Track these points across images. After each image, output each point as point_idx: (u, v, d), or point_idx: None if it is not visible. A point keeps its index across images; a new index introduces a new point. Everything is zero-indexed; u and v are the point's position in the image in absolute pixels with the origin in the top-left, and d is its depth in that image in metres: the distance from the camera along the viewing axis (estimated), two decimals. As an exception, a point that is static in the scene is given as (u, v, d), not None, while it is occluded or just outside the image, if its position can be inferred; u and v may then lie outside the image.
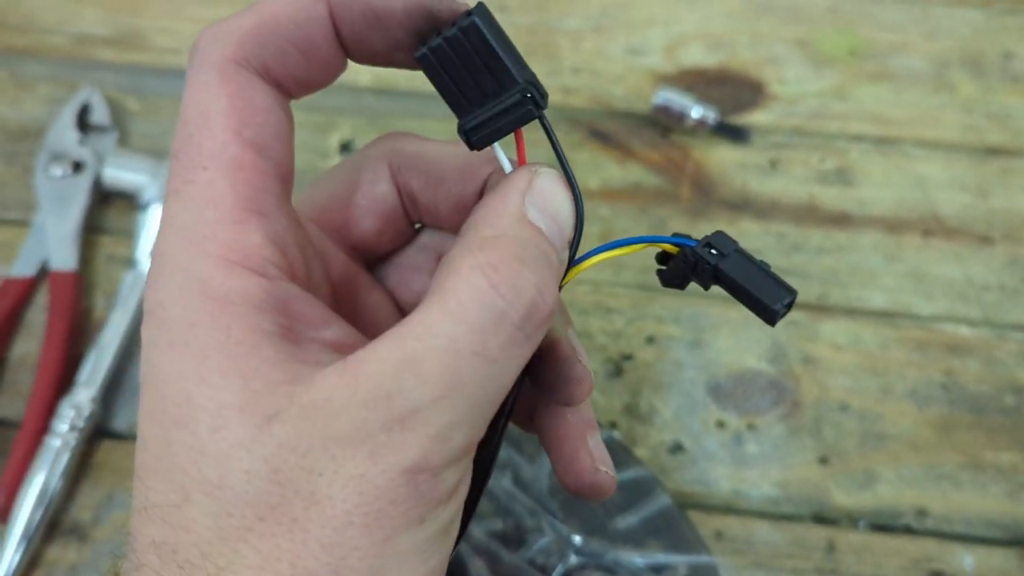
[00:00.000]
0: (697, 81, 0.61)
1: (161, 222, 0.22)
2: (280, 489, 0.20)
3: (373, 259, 0.30)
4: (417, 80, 0.29)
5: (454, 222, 0.28)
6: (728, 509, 0.47)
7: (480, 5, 0.23)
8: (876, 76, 0.62)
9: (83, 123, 0.56)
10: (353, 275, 0.28)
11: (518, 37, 0.62)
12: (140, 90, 0.60)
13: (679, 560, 0.43)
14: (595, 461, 0.27)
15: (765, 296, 0.24)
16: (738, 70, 0.62)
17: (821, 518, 0.47)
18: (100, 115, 0.57)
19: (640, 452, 0.48)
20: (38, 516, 0.44)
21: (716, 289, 0.26)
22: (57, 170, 0.54)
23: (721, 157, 0.58)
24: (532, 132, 0.25)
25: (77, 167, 0.54)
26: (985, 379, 0.50)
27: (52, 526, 0.45)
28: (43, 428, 0.46)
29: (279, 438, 0.20)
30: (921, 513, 0.47)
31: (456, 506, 0.22)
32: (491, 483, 0.44)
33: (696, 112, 0.57)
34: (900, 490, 0.47)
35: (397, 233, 0.29)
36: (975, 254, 0.55)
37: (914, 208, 0.56)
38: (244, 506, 0.20)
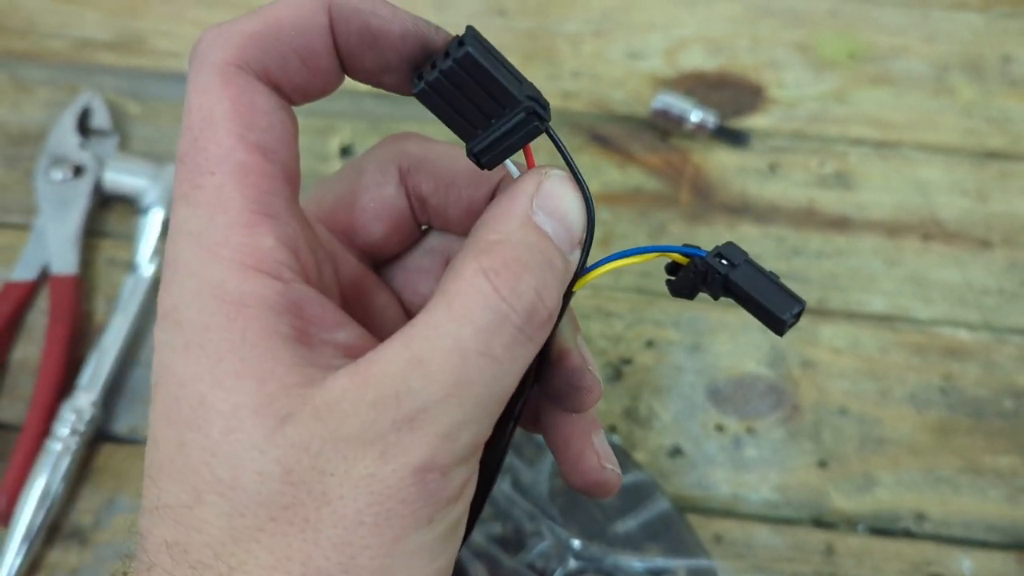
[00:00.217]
0: (697, 85, 0.61)
1: (171, 228, 0.23)
2: (292, 490, 0.20)
3: (379, 261, 0.30)
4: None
5: (464, 225, 0.28)
6: (727, 513, 0.47)
7: (470, 30, 0.23)
8: (876, 80, 0.62)
9: (84, 127, 0.56)
10: (361, 277, 0.28)
11: (518, 41, 0.63)
12: (140, 94, 0.60)
13: (678, 564, 0.43)
14: (601, 459, 0.28)
15: (774, 306, 0.25)
16: (738, 74, 0.62)
17: (820, 522, 0.47)
18: (101, 119, 0.57)
19: (639, 456, 0.48)
20: (39, 519, 0.44)
21: (716, 292, 0.27)
22: (58, 174, 0.54)
23: (721, 161, 0.58)
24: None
25: (78, 171, 0.54)
26: (984, 383, 0.50)
27: (53, 530, 0.45)
28: (44, 432, 0.46)
29: (292, 439, 0.20)
30: (920, 517, 0.47)
31: (463, 506, 0.23)
32: (491, 487, 0.44)
33: (696, 116, 0.57)
34: (899, 494, 0.47)
35: (404, 235, 0.29)
36: (974, 258, 0.55)
37: (914, 212, 0.57)
38: (256, 506, 0.20)
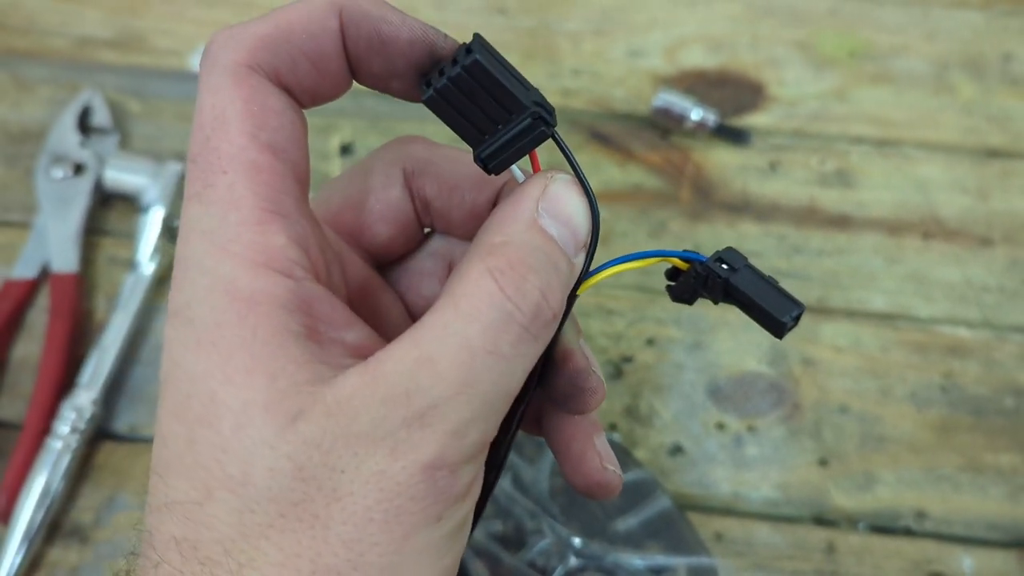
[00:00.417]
0: (697, 83, 0.61)
1: (183, 226, 0.23)
2: (303, 486, 0.20)
3: (383, 263, 0.30)
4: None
5: (467, 229, 0.29)
6: (728, 511, 0.47)
7: (477, 38, 0.24)
8: (876, 78, 0.62)
9: (84, 125, 0.56)
10: (367, 278, 0.29)
11: (518, 39, 0.63)
12: (141, 92, 0.60)
13: (679, 562, 0.43)
14: (603, 460, 0.28)
15: (774, 309, 0.25)
16: (738, 72, 0.62)
17: (821, 520, 0.47)
18: (101, 117, 0.57)
19: (640, 454, 0.48)
20: (39, 518, 0.44)
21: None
22: (58, 172, 0.54)
23: (721, 159, 0.58)
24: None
25: (78, 169, 0.54)
26: (985, 381, 0.50)
27: (53, 528, 0.45)
28: (44, 430, 0.46)
29: (303, 436, 0.21)
30: (921, 515, 0.47)
31: (470, 505, 0.23)
32: (491, 485, 0.44)
33: (696, 114, 0.57)
34: (900, 492, 0.47)
35: (408, 238, 0.30)
36: (975, 256, 0.55)
37: (914, 210, 0.56)
38: (267, 503, 0.20)
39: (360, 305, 0.27)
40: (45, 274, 0.52)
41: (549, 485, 0.44)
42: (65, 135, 0.55)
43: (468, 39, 0.24)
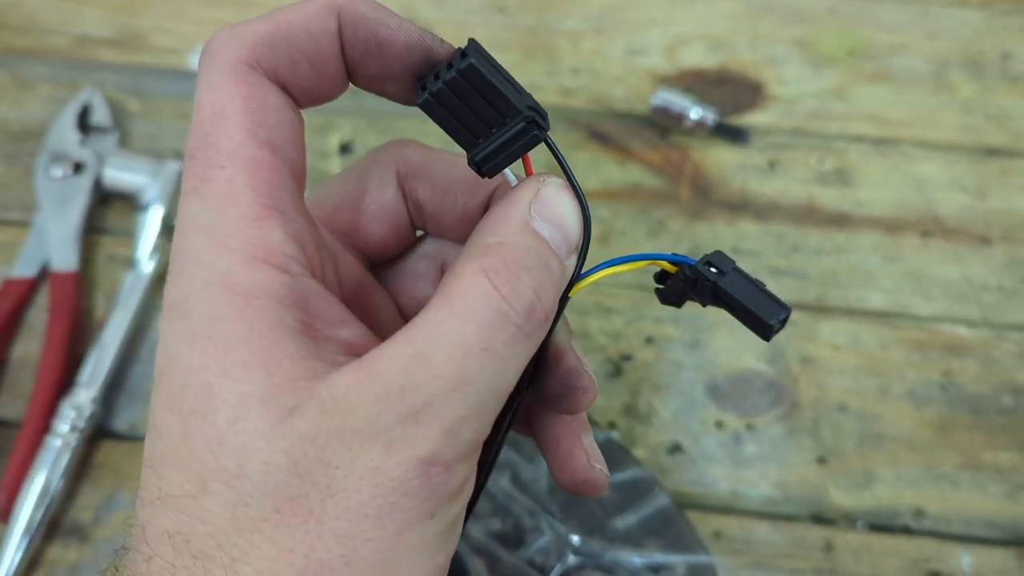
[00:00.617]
0: (696, 82, 0.61)
1: (180, 220, 0.23)
2: (298, 481, 0.21)
3: (376, 263, 0.30)
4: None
5: (459, 231, 0.29)
6: (726, 509, 0.47)
7: (472, 43, 0.24)
8: (875, 77, 0.62)
9: (84, 124, 0.57)
10: (361, 278, 0.29)
11: (517, 38, 0.63)
12: (141, 91, 0.60)
13: (677, 560, 0.43)
14: (590, 458, 0.28)
15: (762, 312, 0.26)
16: (737, 71, 0.62)
17: (819, 518, 0.47)
18: (101, 116, 0.57)
19: (639, 452, 0.48)
20: (39, 516, 0.44)
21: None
22: (58, 171, 0.54)
23: (720, 158, 0.58)
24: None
25: (78, 168, 0.54)
26: (984, 379, 0.50)
27: (53, 526, 0.45)
28: (44, 428, 0.46)
29: (299, 431, 0.21)
30: (919, 513, 0.47)
31: (463, 503, 0.23)
32: (490, 483, 0.44)
33: (695, 113, 0.57)
34: (898, 490, 0.47)
35: (401, 239, 0.30)
36: (974, 254, 0.55)
37: (913, 209, 0.57)
38: (262, 496, 0.21)
39: (353, 304, 0.28)
40: (45, 273, 0.52)
41: (548, 483, 0.44)
42: (65, 134, 0.56)
43: (469, 36, 0.24)
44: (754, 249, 0.55)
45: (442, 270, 0.30)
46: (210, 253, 0.22)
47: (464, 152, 0.25)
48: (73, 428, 0.46)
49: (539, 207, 0.24)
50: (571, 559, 0.42)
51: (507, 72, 0.25)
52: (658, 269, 0.28)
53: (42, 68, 0.61)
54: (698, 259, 0.27)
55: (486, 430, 0.23)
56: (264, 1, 0.63)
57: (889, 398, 0.50)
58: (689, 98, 0.58)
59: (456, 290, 0.22)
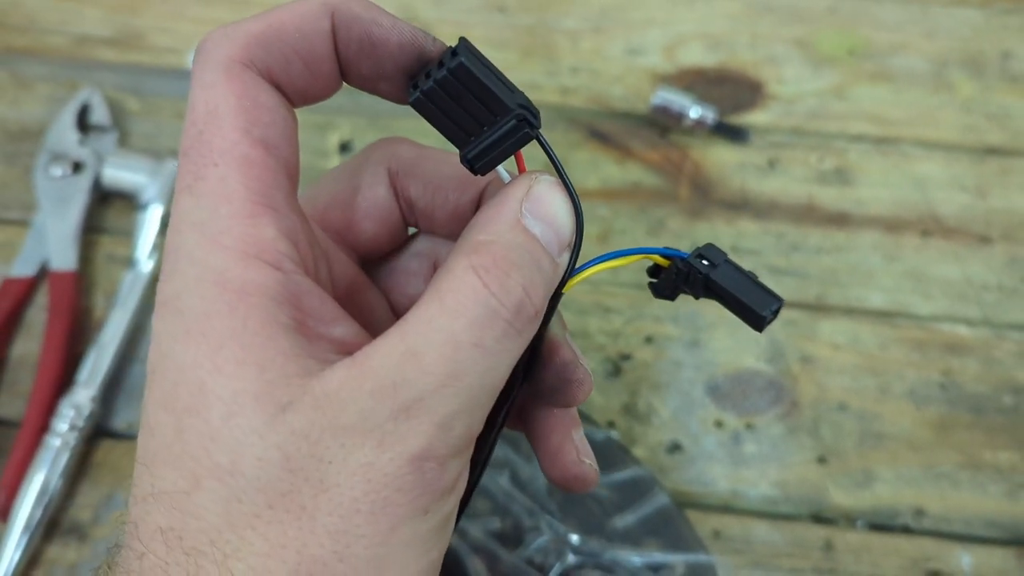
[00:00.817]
0: (696, 81, 0.61)
1: (173, 218, 0.23)
2: (291, 476, 0.21)
3: (368, 260, 0.30)
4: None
5: (450, 228, 0.29)
6: (726, 508, 0.47)
7: (463, 42, 0.24)
8: (875, 76, 0.62)
9: (83, 123, 0.56)
10: (353, 276, 0.29)
11: (517, 37, 0.63)
12: (140, 90, 0.60)
13: (677, 559, 0.43)
14: (580, 454, 0.28)
15: (754, 304, 0.26)
16: (737, 70, 0.62)
17: (819, 517, 0.47)
18: (100, 115, 0.57)
19: (638, 452, 0.48)
20: (38, 515, 0.44)
21: (713, 288, 0.27)
22: (57, 170, 0.54)
23: (720, 157, 0.58)
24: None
25: (77, 167, 0.54)
26: (984, 379, 0.50)
27: (52, 525, 0.45)
28: (43, 427, 0.46)
29: (292, 426, 0.21)
30: (919, 513, 0.47)
31: (456, 500, 0.23)
32: (489, 482, 0.44)
33: (695, 112, 0.57)
34: (898, 490, 0.47)
35: (393, 236, 0.30)
36: (974, 254, 0.55)
37: (913, 208, 0.56)
38: (255, 492, 0.21)
39: (346, 302, 0.28)
40: (44, 272, 0.52)
41: (547, 483, 0.44)
42: (64, 133, 0.55)
43: (470, 35, 0.24)
44: (754, 248, 0.54)
45: (434, 268, 0.30)
46: (203, 250, 0.22)
47: (456, 150, 0.25)
48: (72, 427, 0.46)
49: (531, 205, 0.24)
50: (570, 558, 0.42)
51: (499, 71, 0.25)
52: (651, 263, 0.28)
53: (41, 67, 0.61)
54: (690, 252, 0.27)
55: (478, 426, 0.23)
56: (262, 0, 0.63)
57: (889, 397, 0.50)
58: (689, 97, 0.58)
59: (446, 287, 0.22)
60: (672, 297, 0.28)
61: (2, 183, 0.56)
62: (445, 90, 0.24)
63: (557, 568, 0.42)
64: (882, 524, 0.46)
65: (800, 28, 0.64)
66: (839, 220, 0.56)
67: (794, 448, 0.48)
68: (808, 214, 0.56)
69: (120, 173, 0.54)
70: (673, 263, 0.27)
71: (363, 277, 0.29)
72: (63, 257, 0.52)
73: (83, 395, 0.47)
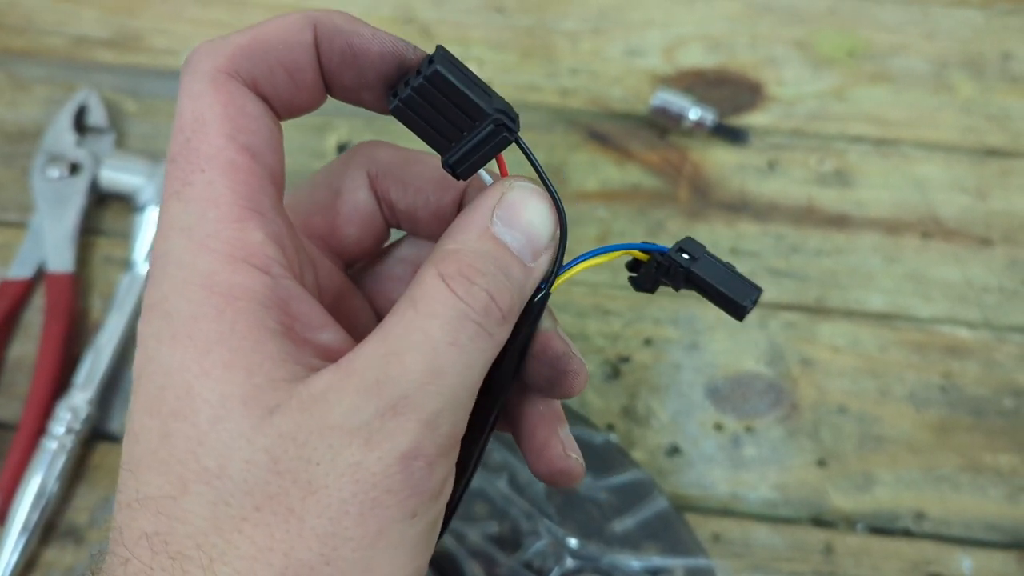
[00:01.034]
0: (696, 82, 0.61)
1: (160, 223, 0.23)
2: (279, 479, 0.21)
3: (352, 264, 0.31)
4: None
5: (433, 229, 0.30)
6: (726, 512, 0.47)
7: (439, 49, 0.25)
8: (875, 77, 0.62)
9: (80, 125, 0.56)
10: (339, 282, 0.29)
11: (516, 38, 0.63)
12: (137, 92, 0.60)
13: (676, 563, 0.43)
14: (566, 448, 0.29)
15: (735, 294, 0.27)
16: (737, 71, 0.62)
17: (819, 521, 0.46)
18: (97, 117, 0.57)
19: (637, 455, 0.48)
20: (35, 518, 0.44)
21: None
22: (54, 172, 0.54)
23: (719, 158, 0.58)
24: (520, 134, 0.25)
25: (74, 169, 0.54)
26: (984, 381, 0.50)
27: (49, 528, 0.45)
28: (40, 430, 0.46)
29: (280, 428, 0.21)
30: (919, 516, 0.46)
31: (442, 505, 0.23)
32: (487, 486, 0.44)
33: (694, 113, 0.57)
34: (898, 492, 0.47)
35: (377, 239, 0.30)
36: (974, 256, 0.55)
37: (913, 210, 0.56)
38: (242, 495, 0.21)
39: (332, 309, 0.28)
40: (41, 274, 0.52)
41: (545, 486, 0.44)
42: (61, 134, 0.55)
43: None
44: (753, 250, 0.54)
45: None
46: (191, 253, 0.22)
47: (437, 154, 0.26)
48: (69, 430, 0.46)
49: (502, 212, 0.25)
50: (569, 562, 0.42)
51: (477, 77, 0.25)
52: (629, 259, 0.29)
53: (39, 69, 0.61)
54: (670, 247, 0.28)
55: (461, 426, 0.23)
56: (260, 0, 0.63)
57: (889, 400, 0.50)
58: (688, 99, 0.58)
59: (419, 294, 0.23)
60: (652, 290, 0.29)
61: (-1, 185, 0.56)
62: (423, 97, 0.24)
63: (555, 572, 0.42)
64: (882, 527, 0.46)
65: (800, 29, 0.64)
66: (839, 222, 0.56)
67: (794, 451, 0.48)
68: (808, 216, 0.56)
69: (117, 175, 0.54)
70: (652, 256, 0.28)
71: (349, 283, 0.30)
72: (60, 259, 0.52)
73: (80, 398, 0.47)
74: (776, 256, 0.54)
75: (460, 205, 0.29)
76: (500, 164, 0.26)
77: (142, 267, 0.52)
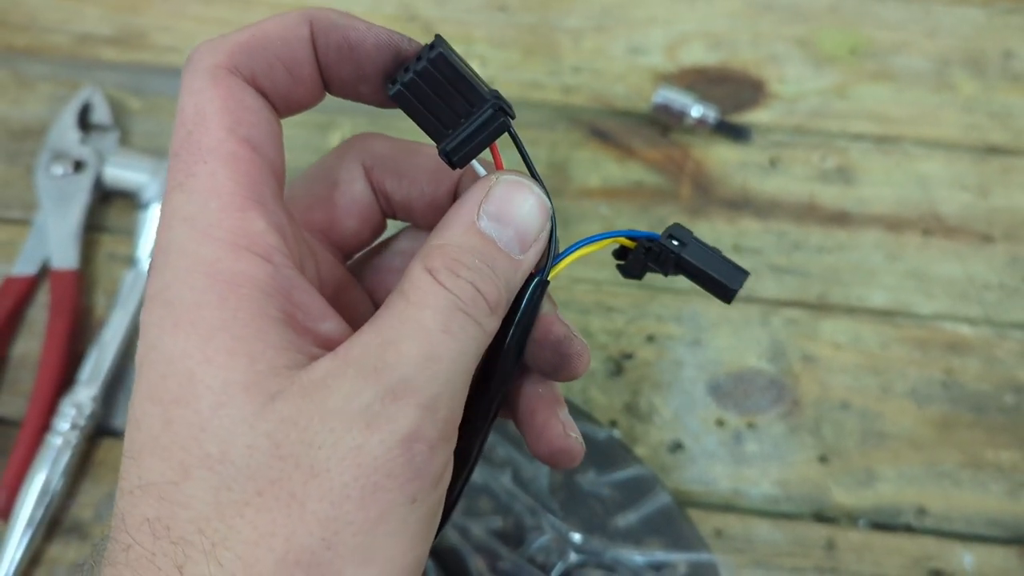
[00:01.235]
0: (698, 80, 0.61)
1: (164, 215, 0.23)
2: (280, 463, 0.21)
3: (350, 255, 0.31)
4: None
5: (429, 219, 0.30)
6: (728, 507, 0.47)
7: (438, 38, 0.25)
8: (877, 75, 0.62)
9: (84, 122, 0.56)
10: (339, 275, 0.29)
11: (519, 36, 0.63)
12: (141, 89, 0.60)
13: (679, 558, 0.43)
14: (566, 428, 0.29)
15: (725, 278, 0.28)
16: (739, 69, 0.62)
17: (821, 516, 0.47)
18: (101, 114, 0.57)
19: (640, 451, 0.48)
20: (39, 514, 0.44)
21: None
22: (58, 169, 0.54)
23: (721, 156, 0.58)
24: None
25: (78, 166, 0.54)
26: (985, 378, 0.50)
27: (53, 524, 0.45)
28: (44, 426, 0.46)
29: (281, 414, 0.21)
30: (921, 511, 0.47)
31: (442, 492, 0.23)
32: (491, 481, 0.44)
33: (696, 111, 0.57)
34: (900, 488, 0.47)
35: (374, 230, 0.31)
36: (975, 253, 0.55)
37: (915, 207, 0.56)
38: (245, 480, 0.21)
39: (333, 301, 0.28)
40: (45, 271, 0.52)
41: (549, 481, 0.44)
42: (65, 132, 0.55)
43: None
44: (755, 247, 0.54)
45: None
46: (194, 242, 0.22)
47: (433, 143, 0.26)
48: (74, 426, 0.46)
49: (489, 206, 0.25)
50: (572, 557, 0.42)
51: (471, 67, 0.26)
52: (616, 246, 0.30)
53: (43, 66, 0.61)
54: (660, 233, 0.28)
55: (459, 412, 0.24)
56: (265, -1, 0.63)
57: (891, 396, 0.50)
58: (690, 96, 0.58)
59: (408, 287, 0.24)
60: (640, 276, 0.30)
61: (4, 182, 0.56)
62: (424, 82, 0.25)
63: (559, 567, 0.42)
64: (884, 523, 0.46)
65: (802, 27, 0.64)
66: (841, 219, 0.56)
67: (796, 447, 0.48)
68: (809, 213, 0.56)
69: (121, 172, 0.54)
70: (640, 243, 0.28)
71: (349, 276, 0.30)
72: (64, 256, 0.52)
73: (84, 394, 0.47)
74: (778, 253, 0.54)
75: (455, 195, 0.29)
76: (495, 156, 0.26)
77: (146, 264, 0.52)
